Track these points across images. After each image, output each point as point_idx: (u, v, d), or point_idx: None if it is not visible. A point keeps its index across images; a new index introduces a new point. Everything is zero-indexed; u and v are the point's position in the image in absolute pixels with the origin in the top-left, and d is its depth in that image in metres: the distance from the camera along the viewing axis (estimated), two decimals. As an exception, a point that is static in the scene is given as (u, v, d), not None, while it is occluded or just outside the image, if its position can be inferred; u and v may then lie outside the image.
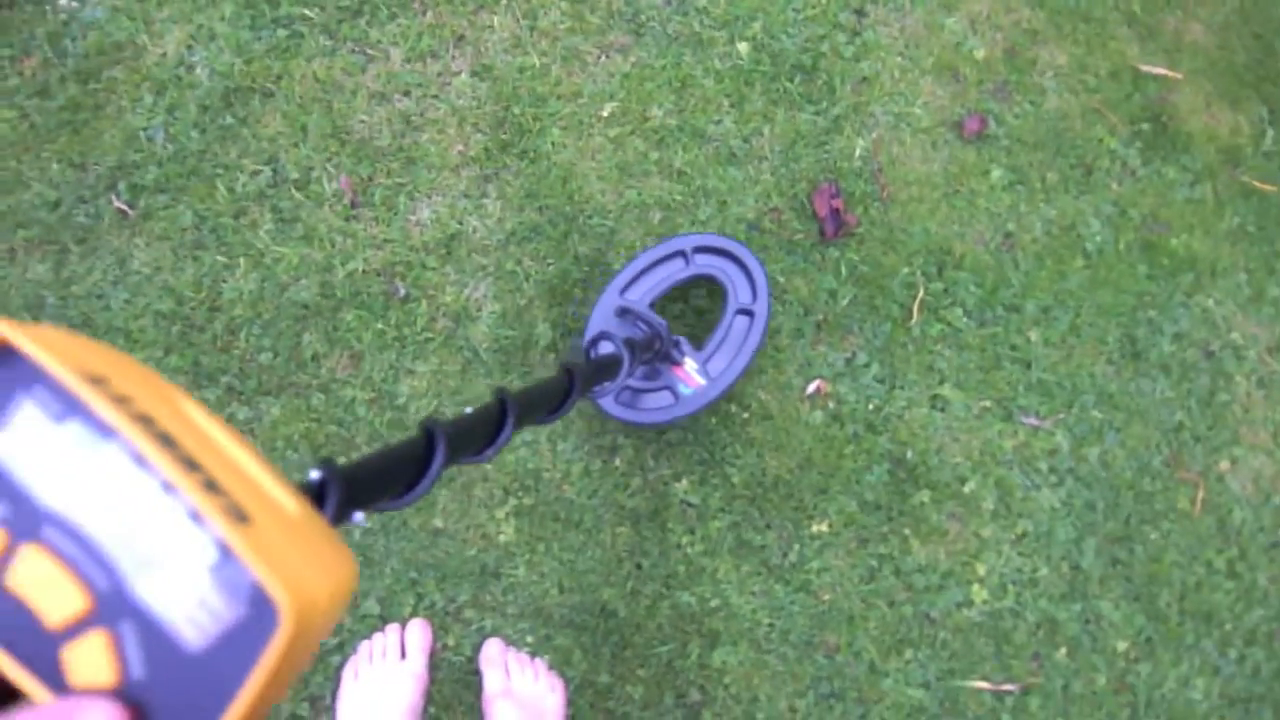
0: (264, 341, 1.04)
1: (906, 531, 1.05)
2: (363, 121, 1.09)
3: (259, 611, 0.24)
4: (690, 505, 1.04)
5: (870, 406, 1.06)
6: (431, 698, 1.01)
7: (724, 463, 1.04)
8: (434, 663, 1.02)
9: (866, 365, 1.07)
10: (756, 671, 1.03)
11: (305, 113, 1.08)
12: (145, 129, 1.06)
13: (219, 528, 0.24)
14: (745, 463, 1.04)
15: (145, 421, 0.26)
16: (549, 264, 1.07)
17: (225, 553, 0.24)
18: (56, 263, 1.04)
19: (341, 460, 0.34)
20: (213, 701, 0.24)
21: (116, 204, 1.05)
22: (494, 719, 0.99)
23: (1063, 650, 1.06)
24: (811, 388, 1.06)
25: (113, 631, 0.25)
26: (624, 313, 0.99)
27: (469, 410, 0.51)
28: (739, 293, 1.01)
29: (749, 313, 1.01)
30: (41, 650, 0.25)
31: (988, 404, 1.07)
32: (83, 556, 0.25)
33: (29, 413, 0.26)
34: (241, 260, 1.05)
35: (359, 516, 0.37)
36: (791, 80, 1.13)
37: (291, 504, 0.28)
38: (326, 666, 1.00)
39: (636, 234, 1.08)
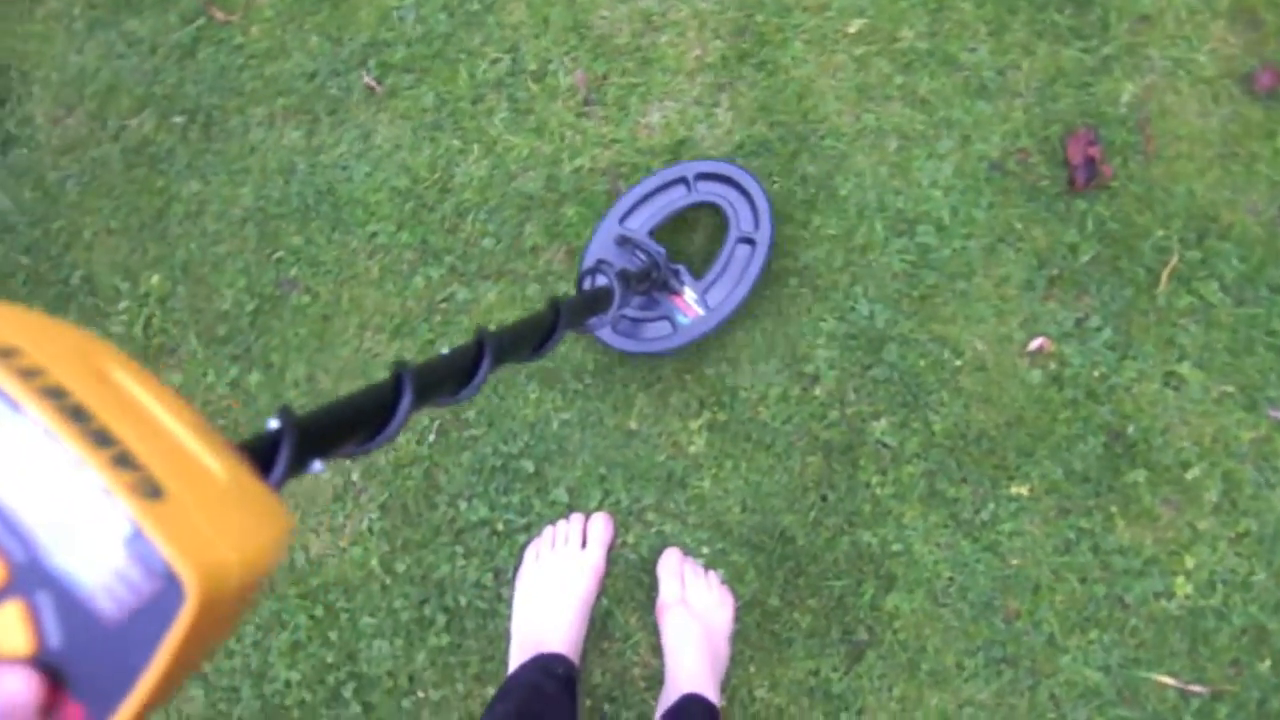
0: (488, 227, 1.14)
1: (1113, 509, 1.06)
2: (604, 17, 1.15)
3: (169, 586, 0.26)
4: (886, 446, 1.09)
5: (1096, 373, 1.07)
6: (606, 590, 1.13)
7: (927, 408, 1.08)
8: (612, 557, 1.13)
9: (1099, 329, 1.06)
10: (929, 622, 1.08)
11: (549, 4, 1.15)
12: (397, 8, 1.16)
13: (126, 504, 0.26)
14: (950, 411, 1.08)
15: (56, 395, 0.27)
16: (774, 182, 1.12)
17: (135, 527, 0.26)
18: (309, 131, 1.18)
19: (300, 408, 0.37)
20: (127, 672, 0.26)
21: (366, 80, 1.17)
22: (667, 626, 1.09)
23: (1267, 662, 1.05)
24: (1034, 344, 1.07)
25: (29, 601, 0.26)
26: (623, 241, 1.04)
27: (444, 351, 0.53)
28: (741, 220, 1.04)
29: (750, 241, 1.04)
30: None
31: (1230, 389, 1.05)
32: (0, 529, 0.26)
33: None
34: (475, 146, 1.15)
35: (318, 464, 0.39)
36: (1061, 11, 1.11)
37: (220, 470, 0.29)
38: (513, 544, 1.13)
39: (869, 161, 1.10)
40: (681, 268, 1.03)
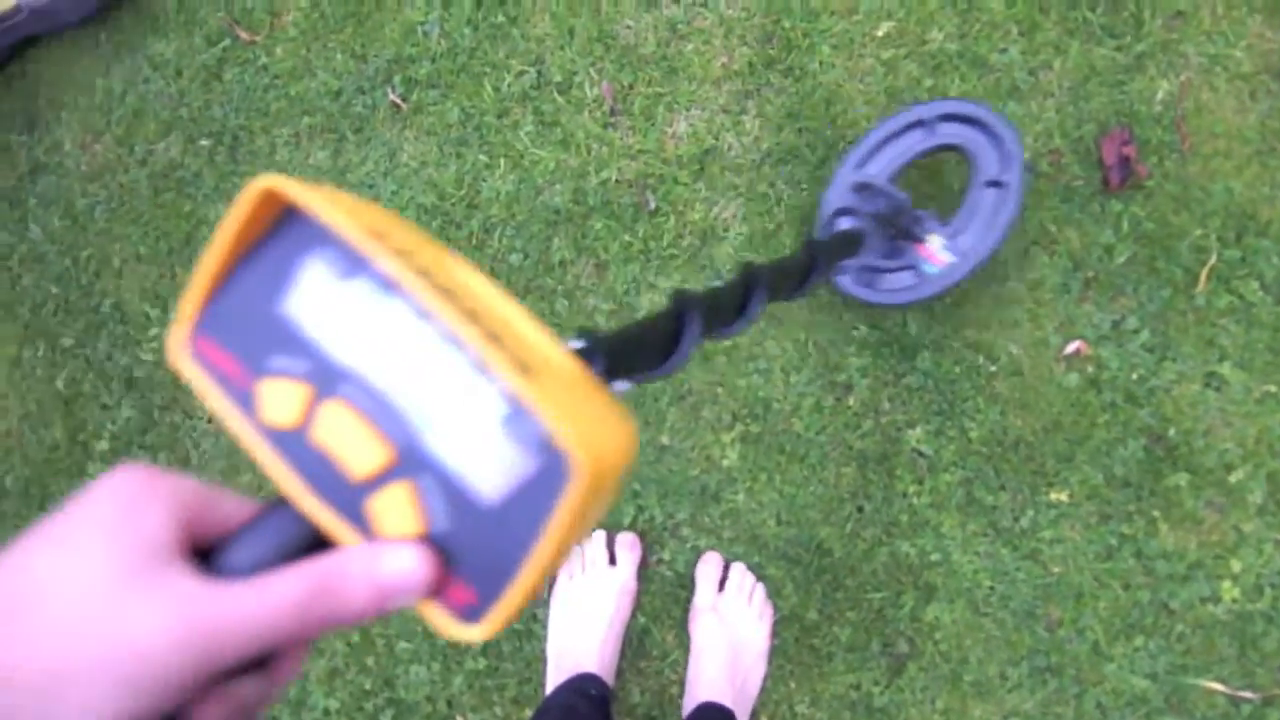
0: (516, 243, 1.33)
1: (1156, 514, 1.22)
2: (629, 27, 1.34)
3: (551, 463, 0.29)
4: (922, 455, 1.26)
5: (1134, 376, 1.23)
6: (641, 607, 1.31)
7: (963, 415, 1.25)
8: (646, 574, 1.31)
9: (1136, 331, 1.23)
10: (970, 633, 1.25)
11: (574, 15, 1.34)
12: (422, 23, 1.36)
13: (506, 378, 0.28)
14: (986, 418, 1.25)
15: (425, 275, 0.30)
16: (803, 189, 1.30)
17: (514, 405, 0.29)
18: (335, 150, 1.37)
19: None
20: (511, 552, 0.29)
21: (391, 97, 1.36)
22: (698, 633, 1.27)
23: (1320, 667, 1.21)
24: (1070, 348, 1.24)
25: (415, 483, 0.30)
26: (862, 188, 1.11)
27: (714, 284, 0.66)
28: (987, 163, 1.11)
29: (999, 184, 1.11)
30: (349, 501, 0.30)
31: (1272, 389, 1.21)
32: (380, 412, 0.30)
33: (316, 272, 0.31)
34: (501, 161, 1.34)
35: (620, 385, 0.44)
36: (1094, 9, 1.27)
37: (567, 361, 0.32)
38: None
39: (898, 167, 1.28)
40: (926, 214, 1.10)
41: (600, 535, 1.28)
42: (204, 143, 1.37)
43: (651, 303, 1.29)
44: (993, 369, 1.23)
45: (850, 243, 0.93)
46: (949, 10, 1.28)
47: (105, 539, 0.29)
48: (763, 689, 1.24)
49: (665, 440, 1.28)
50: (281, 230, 0.32)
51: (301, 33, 1.36)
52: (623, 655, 1.27)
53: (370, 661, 1.32)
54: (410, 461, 0.30)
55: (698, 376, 1.27)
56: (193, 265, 1.35)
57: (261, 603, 0.29)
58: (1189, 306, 1.22)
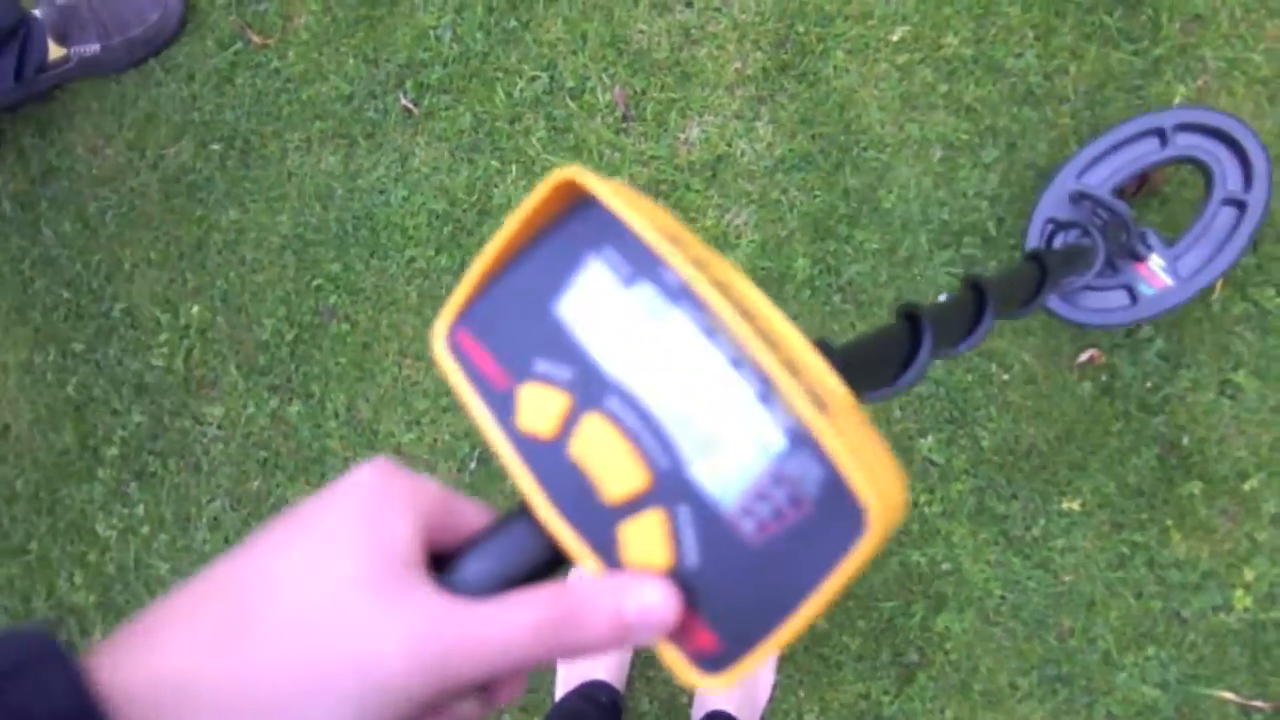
0: (527, 248, 1.47)
1: (1168, 522, 1.35)
2: (642, 31, 1.48)
3: (833, 510, 0.28)
4: (933, 463, 1.39)
5: (1148, 384, 1.36)
6: (651, 613, 1.45)
7: (975, 424, 1.39)
8: (657, 580, 1.45)
9: (1151, 339, 1.36)
10: (981, 642, 1.39)
11: (586, 19, 1.48)
12: (435, 28, 1.50)
13: (799, 412, 0.28)
14: (998, 427, 1.38)
15: (724, 288, 0.30)
16: (816, 196, 1.43)
17: (796, 441, 0.28)
18: (346, 155, 1.52)
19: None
20: (772, 602, 0.29)
21: (403, 101, 1.51)
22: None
23: (1335, 679, 1.34)
24: (1085, 356, 1.37)
25: (670, 512, 0.30)
26: (1080, 198, 1.12)
27: (943, 297, 0.61)
28: (1228, 179, 1.10)
29: (1238, 203, 1.10)
30: (598, 523, 0.31)
31: (1288, 399, 1.34)
32: (644, 431, 0.30)
33: (598, 274, 0.31)
34: (513, 166, 1.48)
35: None
36: (1110, 13, 1.40)
37: (850, 400, 0.31)
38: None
39: (913, 172, 1.41)
40: (1150, 231, 1.10)
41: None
42: (215, 147, 1.52)
43: (663, 309, 1.43)
44: (1005, 377, 1.37)
45: (1080, 256, 0.94)
46: (964, 15, 1.42)
47: (351, 542, 0.30)
48: (771, 698, 1.38)
49: (676, 447, 1.42)
50: (569, 224, 0.32)
51: (314, 36, 1.51)
52: (633, 663, 1.41)
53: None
54: (669, 489, 0.30)
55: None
56: (204, 270, 1.51)
57: (504, 627, 0.30)
58: (1205, 314, 1.35)
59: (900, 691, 1.34)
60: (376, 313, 1.46)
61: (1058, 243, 1.11)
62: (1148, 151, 1.17)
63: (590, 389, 0.32)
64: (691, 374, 0.30)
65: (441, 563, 0.33)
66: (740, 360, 0.29)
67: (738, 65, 1.42)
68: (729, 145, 1.41)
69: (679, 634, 0.31)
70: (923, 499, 1.35)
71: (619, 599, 0.31)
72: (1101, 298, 1.15)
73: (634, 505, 0.31)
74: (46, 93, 1.48)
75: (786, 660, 1.36)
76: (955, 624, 1.34)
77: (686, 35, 1.43)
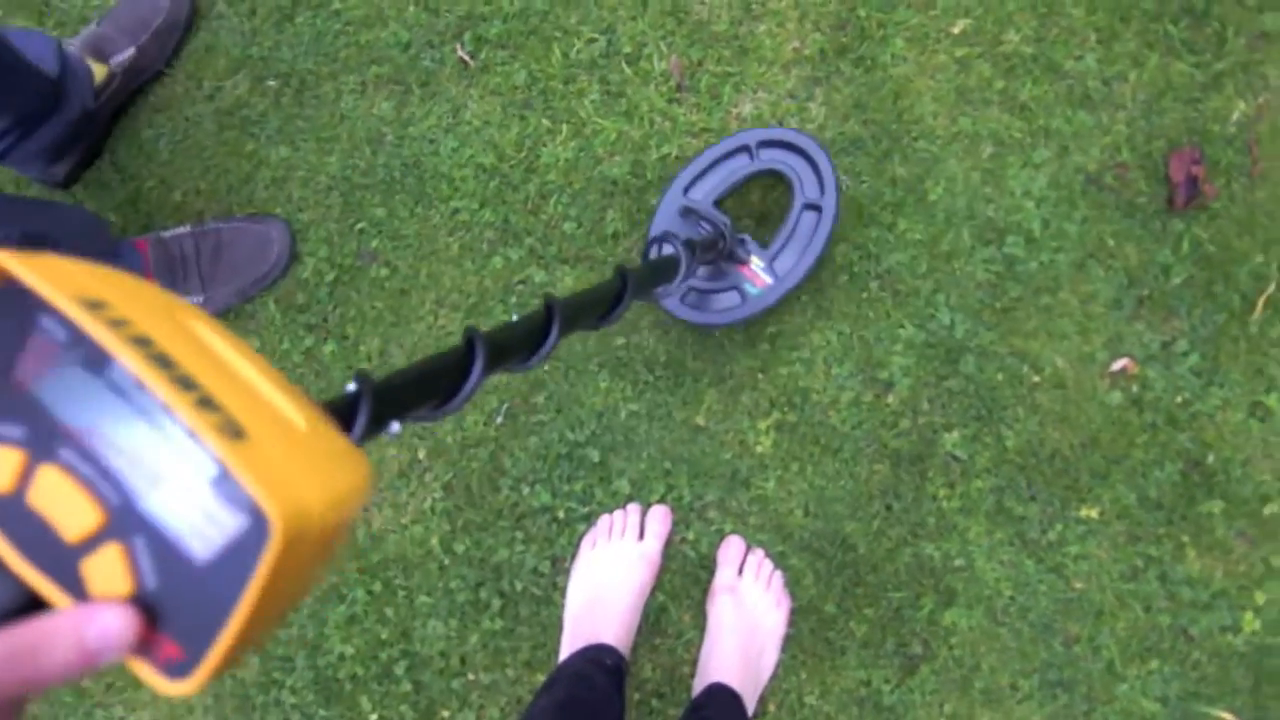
0: (570, 211, 1.45)
1: (1185, 539, 1.32)
2: (703, 3, 1.44)
3: (255, 524, 0.32)
4: (956, 459, 1.36)
5: (1178, 399, 1.33)
6: (661, 585, 1.43)
7: (1001, 423, 1.36)
8: (669, 552, 1.43)
9: (1185, 354, 1.32)
10: (986, 640, 1.36)
11: (647, -13, 1.46)
12: (496, -17, 1.48)
13: (211, 444, 0.32)
14: (1024, 428, 1.35)
15: (142, 343, 0.34)
16: (862, 181, 1.40)
17: (223, 468, 0.33)
18: (399, 102, 1.50)
19: (379, 372, 0.52)
20: (219, 609, 0.33)
21: (460, 53, 1.48)
22: (714, 612, 1.39)
23: (1339, 710, 1.31)
24: (1117, 365, 1.34)
25: (126, 544, 0.33)
26: (687, 212, 1.28)
27: (515, 317, 0.66)
28: (806, 187, 1.29)
29: (816, 208, 1.28)
30: (63, 563, 0.34)
31: (1319, 426, 1.31)
32: (95, 474, 0.34)
33: (42, 339, 0.35)
34: (564, 127, 1.46)
35: (395, 426, 0.49)
36: (1176, 23, 1.36)
37: (299, 420, 0.36)
38: (573, 532, 1.44)
39: (962, 166, 1.38)
40: (747, 237, 1.27)
41: (635, 508, 1.40)
42: (271, 83, 1.50)
43: (699, 282, 1.40)
44: (1036, 379, 1.33)
45: (664, 269, 1.04)
46: (1028, 13, 1.38)
47: None
48: (774, 676, 1.36)
49: (701, 421, 1.39)
50: (12, 298, 0.35)
51: (376, -18, 1.49)
52: (639, 630, 1.39)
53: (390, 612, 1.46)
54: (123, 523, 0.33)
55: (740, 361, 1.38)
56: (251, 204, 1.49)
57: None
58: (1242, 333, 1.31)
59: (901, 682, 1.32)
60: (417, 261, 1.44)
61: (663, 251, 1.20)
62: (739, 166, 1.34)
63: (44, 443, 0.34)
64: (132, 419, 0.34)
65: None
66: (167, 407, 0.33)
67: (796, 44, 1.39)
68: (780, 123, 1.38)
69: (147, 649, 0.34)
70: (942, 493, 1.32)
71: (80, 626, 0.33)
72: (719, 299, 1.31)
73: (92, 541, 0.34)
74: (112, 119, 1.49)
75: (792, 641, 1.34)
76: (962, 620, 1.31)
77: (747, 10, 1.40)
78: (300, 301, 1.48)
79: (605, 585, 1.38)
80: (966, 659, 1.34)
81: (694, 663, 1.38)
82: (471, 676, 1.44)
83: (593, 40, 1.45)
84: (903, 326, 1.36)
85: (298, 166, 1.49)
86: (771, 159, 1.32)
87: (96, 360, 0.34)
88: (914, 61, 1.39)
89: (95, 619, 0.34)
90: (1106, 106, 1.36)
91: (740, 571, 1.37)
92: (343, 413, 0.47)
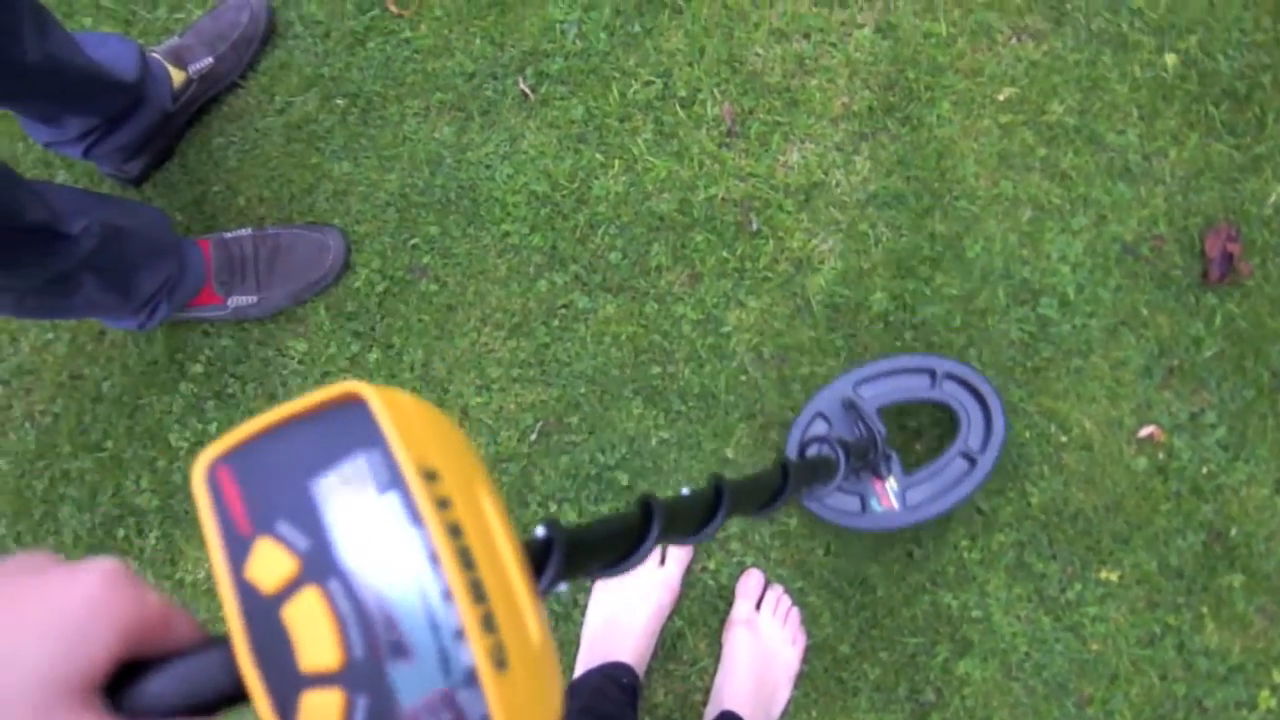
0: (617, 242, 1.42)
1: (1204, 610, 1.26)
2: (758, 55, 1.43)
3: None
4: (979, 511, 1.31)
5: (1204, 470, 1.27)
6: (679, 611, 1.37)
7: (1026, 479, 1.30)
8: (689, 580, 1.37)
9: (1213, 426, 1.27)
10: (998, 694, 1.30)
11: (707, 35, 1.44)
12: (562, 22, 1.46)
13: (480, 668, 0.32)
14: (1049, 486, 1.30)
15: (454, 532, 0.33)
16: (902, 235, 1.37)
17: (471, 680, 0.32)
18: (460, 128, 1.48)
19: (564, 523, 0.45)
20: None
21: (521, 86, 1.47)
22: (730, 644, 1.33)
23: (1350, 794, 1.23)
24: (1145, 432, 1.29)
25: (349, 697, 0.32)
26: (850, 406, 1.20)
27: (685, 491, 0.64)
28: (971, 436, 1.19)
29: (972, 459, 1.19)
30: (286, 684, 0.32)
31: (1343, 506, 1.25)
32: (353, 620, 0.32)
33: (358, 470, 0.33)
34: (616, 162, 1.43)
35: (564, 585, 0.44)
36: (1217, 105, 1.33)
37: (536, 630, 0.35)
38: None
39: (1000, 227, 1.34)
40: (894, 456, 1.18)
41: (653, 536, 1.35)
42: (339, 102, 1.49)
43: (738, 320, 1.36)
44: (1063, 439, 1.29)
45: (822, 470, 1.00)
46: (1073, 86, 1.35)
47: (32, 660, 0.30)
48: (785, 712, 1.30)
49: (730, 453, 1.35)
50: (349, 417, 0.34)
51: (447, 14, 1.48)
52: (654, 654, 1.34)
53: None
54: (357, 677, 0.32)
55: (771, 399, 1.34)
56: (311, 213, 1.47)
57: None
58: (1270, 410, 1.26)
59: (910, 729, 1.26)
60: (465, 279, 1.41)
61: (811, 452, 1.15)
62: (918, 386, 1.23)
63: (319, 565, 0.33)
64: (408, 588, 0.32)
65: (136, 668, 0.33)
66: (449, 595, 0.32)
67: (845, 100, 1.37)
68: (825, 174, 1.35)
69: None
70: (963, 544, 1.27)
71: None
72: (840, 499, 1.21)
73: (322, 680, 0.32)
74: (186, 124, 1.49)
75: (805, 678, 1.28)
76: (977, 671, 1.25)
77: (800, 64, 1.38)
78: (350, 309, 1.45)
79: (624, 607, 1.33)
80: (978, 711, 1.28)
81: (707, 691, 1.32)
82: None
83: (650, 82, 1.43)
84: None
85: (358, 182, 1.47)
86: (951, 394, 1.21)
87: (399, 515, 0.33)
88: (959, 124, 1.37)
89: None
90: (1146, 180, 1.32)
91: (758, 605, 1.31)
92: (532, 559, 0.43)
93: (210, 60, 1.43)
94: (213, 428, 1.44)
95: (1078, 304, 1.30)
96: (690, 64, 1.42)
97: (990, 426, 1.19)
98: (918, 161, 1.35)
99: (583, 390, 1.38)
